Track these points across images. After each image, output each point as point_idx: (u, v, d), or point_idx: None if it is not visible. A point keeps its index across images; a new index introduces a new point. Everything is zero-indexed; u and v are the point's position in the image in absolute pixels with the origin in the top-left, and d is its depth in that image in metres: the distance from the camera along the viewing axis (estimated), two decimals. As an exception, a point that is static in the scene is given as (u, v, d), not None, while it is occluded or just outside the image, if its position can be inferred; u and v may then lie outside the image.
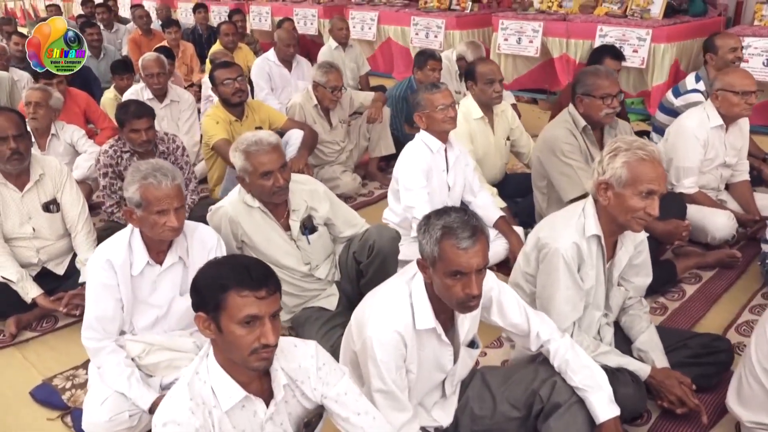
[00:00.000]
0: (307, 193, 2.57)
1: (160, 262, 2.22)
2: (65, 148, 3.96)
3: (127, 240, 2.17)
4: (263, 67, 5.39)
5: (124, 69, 5.27)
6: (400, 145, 4.52)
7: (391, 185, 3.13)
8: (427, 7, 7.08)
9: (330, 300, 2.61)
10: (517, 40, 6.19)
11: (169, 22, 6.80)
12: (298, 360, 1.58)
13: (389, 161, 4.73)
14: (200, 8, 7.63)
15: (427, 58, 4.52)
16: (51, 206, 2.89)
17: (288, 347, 1.59)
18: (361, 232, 2.65)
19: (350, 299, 2.70)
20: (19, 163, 2.74)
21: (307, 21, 8.06)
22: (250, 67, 6.23)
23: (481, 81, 3.43)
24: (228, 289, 1.41)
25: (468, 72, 3.53)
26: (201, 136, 4.58)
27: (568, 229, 2.00)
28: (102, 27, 7.40)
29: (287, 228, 2.53)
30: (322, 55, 5.97)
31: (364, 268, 2.53)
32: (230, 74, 3.64)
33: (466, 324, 1.84)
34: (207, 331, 1.46)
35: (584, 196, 2.86)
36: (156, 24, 7.92)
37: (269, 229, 2.48)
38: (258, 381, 1.53)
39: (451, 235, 1.61)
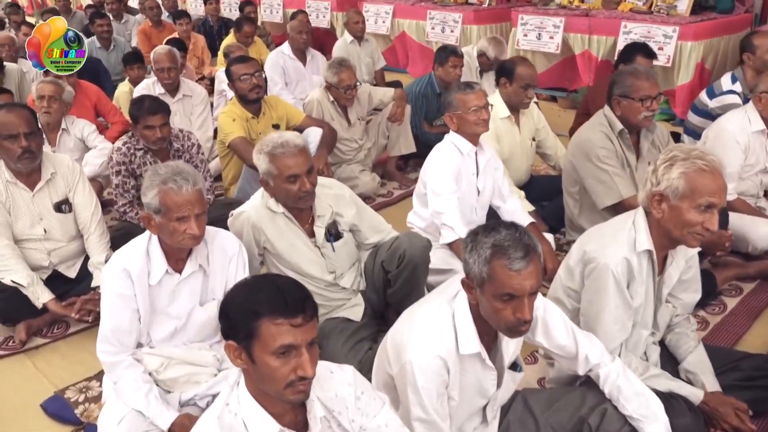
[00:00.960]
0: (332, 197, 2.44)
1: (180, 271, 2.10)
2: (75, 143, 3.83)
3: (145, 247, 2.05)
4: (277, 60, 5.26)
5: (135, 59, 5.15)
6: (418, 143, 4.40)
7: (417, 188, 3.00)
8: (443, 1, 6.91)
9: (355, 310, 2.49)
10: (537, 35, 6.03)
11: (179, 14, 6.66)
12: (334, 388, 1.46)
13: (407, 160, 4.60)
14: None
15: (449, 54, 4.38)
16: (63, 206, 2.77)
17: (324, 374, 1.46)
18: (389, 239, 2.52)
19: (375, 309, 2.58)
20: (30, 161, 2.62)
21: (320, 13, 7.89)
22: (264, 61, 6.10)
23: (518, 83, 3.29)
24: (260, 316, 1.28)
25: (504, 70, 3.37)
26: (215, 131, 4.46)
27: (618, 243, 1.87)
28: (111, 18, 7.25)
29: (311, 234, 2.40)
30: (337, 49, 5.83)
31: (393, 277, 2.40)
32: (247, 69, 3.50)
33: (511, 346, 1.71)
34: (238, 361, 1.33)
35: (620, 203, 2.78)
36: (164, 15, 7.77)
37: (293, 235, 2.35)
38: (292, 412, 1.40)
39: (502, 254, 1.48)
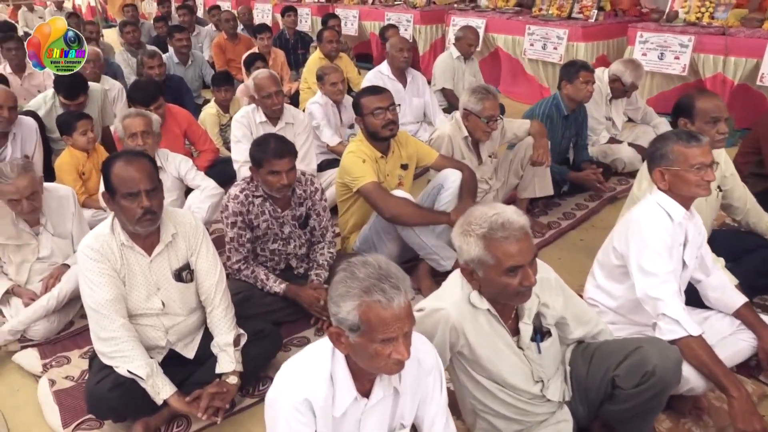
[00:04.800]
0: (536, 282, 1.89)
1: (367, 394, 1.58)
2: (173, 182, 3.39)
3: (329, 371, 1.53)
4: (376, 82, 4.75)
5: (225, 80, 4.73)
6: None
7: (604, 257, 2.41)
8: (544, 15, 6.33)
9: (561, 428, 1.93)
10: (659, 55, 5.41)
11: (261, 27, 6.24)
12: None
13: (534, 201, 4.03)
14: (290, 11, 7.01)
15: (579, 69, 3.83)
16: (183, 274, 2.27)
17: None
18: (605, 336, 1.98)
19: (580, 423, 2.02)
20: (151, 223, 2.13)
21: (401, 26, 7.41)
22: (350, 79, 5.64)
23: (702, 119, 2.71)
24: None
25: (681, 108, 2.80)
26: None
27: None
28: (184, 30, 6.89)
29: (515, 332, 1.86)
30: (442, 63, 5.34)
31: (625, 395, 1.83)
32: (381, 103, 2.97)
33: None
34: None
35: None
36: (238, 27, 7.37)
37: (497, 337, 1.81)
38: None
39: None
